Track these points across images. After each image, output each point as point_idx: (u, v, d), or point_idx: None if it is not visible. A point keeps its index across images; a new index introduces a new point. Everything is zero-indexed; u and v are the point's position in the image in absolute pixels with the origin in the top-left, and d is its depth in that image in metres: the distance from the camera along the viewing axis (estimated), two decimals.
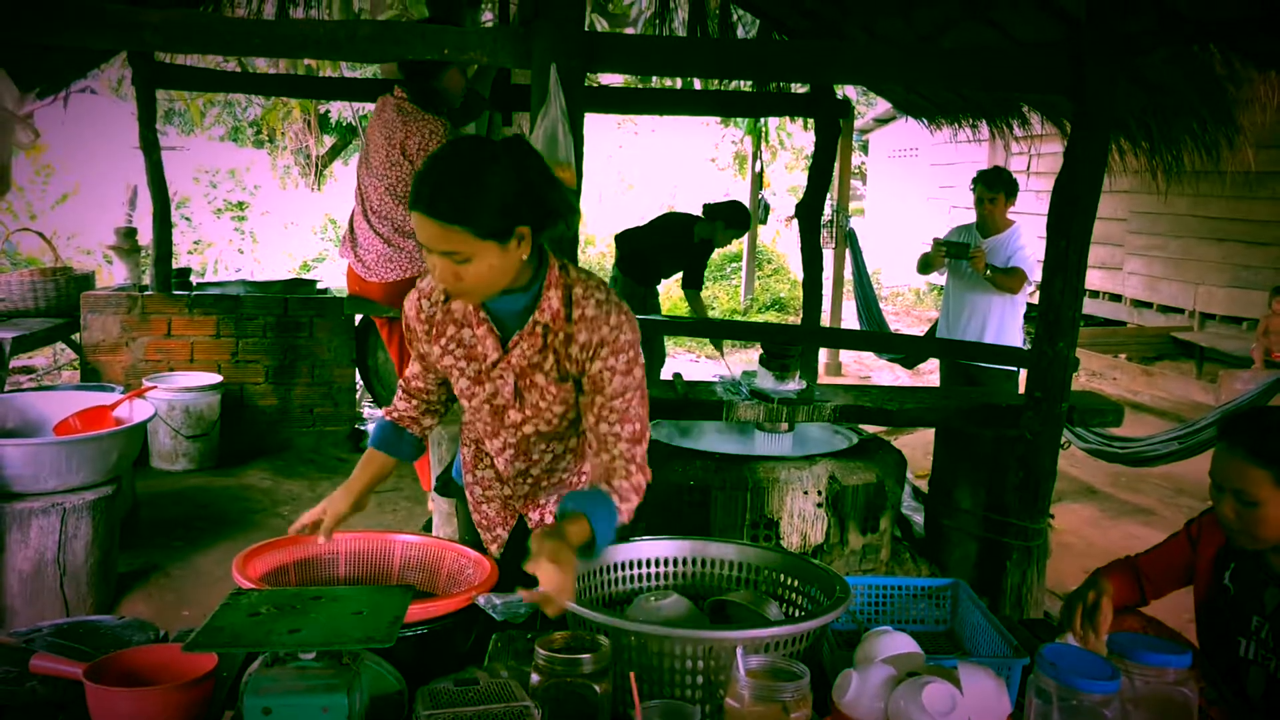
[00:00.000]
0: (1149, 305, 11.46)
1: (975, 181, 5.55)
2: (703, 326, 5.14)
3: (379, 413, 5.29)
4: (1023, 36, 4.35)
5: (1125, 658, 1.68)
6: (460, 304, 2.16)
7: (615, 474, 2.11)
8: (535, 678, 1.67)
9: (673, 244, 7.06)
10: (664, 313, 8.49)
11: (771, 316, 13.56)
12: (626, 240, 7.23)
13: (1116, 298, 11.94)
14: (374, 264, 4.37)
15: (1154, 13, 3.52)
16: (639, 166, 20.75)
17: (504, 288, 2.05)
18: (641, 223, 7.53)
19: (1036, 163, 12.61)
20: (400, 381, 2.42)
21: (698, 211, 7.19)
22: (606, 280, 7.14)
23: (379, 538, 2.37)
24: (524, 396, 2.18)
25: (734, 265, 15.14)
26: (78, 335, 6.06)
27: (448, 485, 2.64)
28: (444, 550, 2.35)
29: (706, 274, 7.62)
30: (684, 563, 2.27)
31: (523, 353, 2.13)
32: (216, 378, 5.89)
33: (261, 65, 9.72)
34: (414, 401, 2.40)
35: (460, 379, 2.22)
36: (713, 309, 13.57)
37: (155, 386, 5.47)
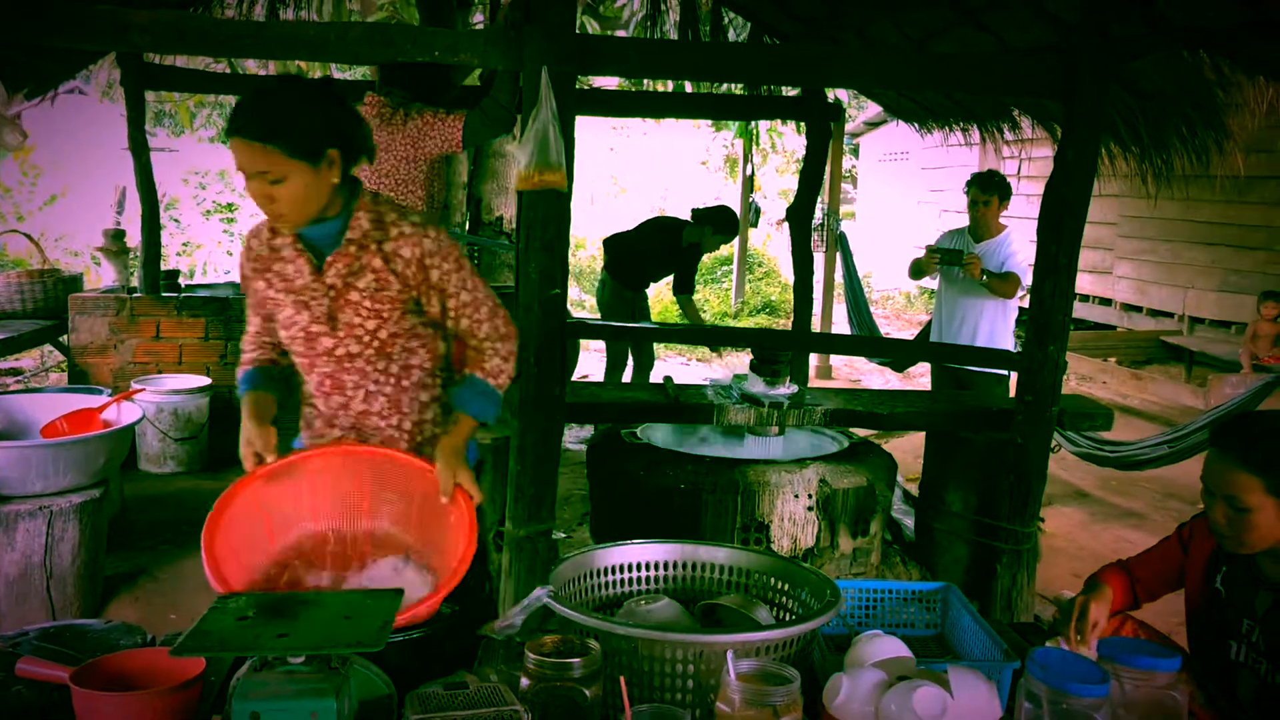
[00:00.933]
0: (1139, 309, 11.49)
1: (969, 185, 5.56)
2: (692, 334, 5.13)
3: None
4: (1014, 41, 4.36)
5: (1115, 661, 1.68)
6: (285, 240, 2.30)
7: (484, 356, 2.36)
8: (525, 682, 1.66)
9: (661, 248, 7.06)
10: (653, 316, 8.48)
11: (762, 320, 13.57)
12: (615, 244, 7.23)
13: (1107, 302, 11.97)
14: None
15: (1144, 18, 3.53)
16: (631, 169, 20.75)
17: (317, 213, 2.22)
18: (631, 227, 7.52)
19: (1027, 166, 12.64)
20: (247, 336, 2.50)
21: (687, 215, 7.18)
22: (599, 281, 7.17)
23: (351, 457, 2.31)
24: (337, 318, 2.30)
25: (725, 268, 15.15)
26: (65, 337, 6.03)
27: None
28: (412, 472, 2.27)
29: (697, 277, 7.62)
30: (674, 566, 2.26)
31: (338, 272, 2.27)
32: (205, 380, 5.86)
33: (252, 66, 9.69)
34: (263, 345, 2.47)
35: (284, 309, 2.34)
36: (704, 312, 13.56)
37: (144, 389, 5.45)
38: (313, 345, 2.34)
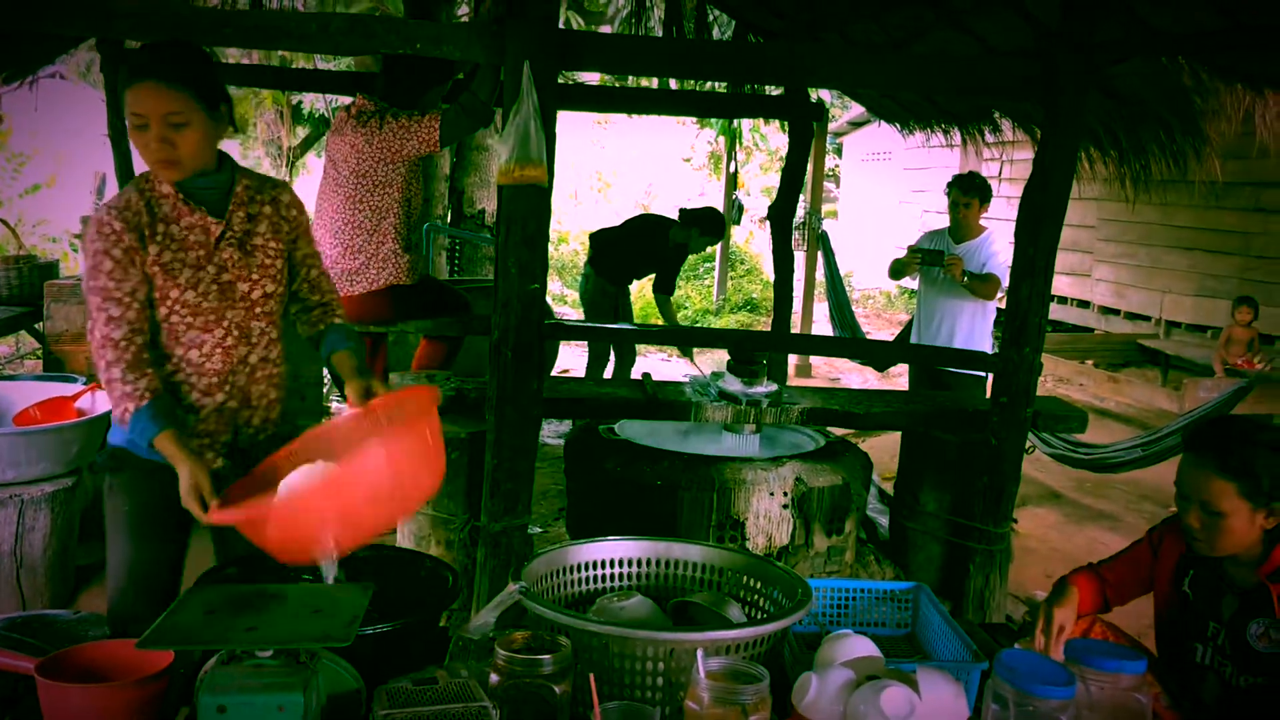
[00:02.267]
0: (1116, 312, 11.57)
1: (950, 186, 5.57)
2: (671, 335, 5.12)
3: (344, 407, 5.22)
4: (996, 44, 4.38)
5: (1081, 663, 1.70)
6: (168, 202, 2.32)
7: (334, 309, 2.53)
8: (495, 678, 1.66)
9: (647, 247, 7.06)
10: (635, 313, 8.48)
11: (744, 317, 13.59)
12: (601, 240, 7.23)
13: (1085, 304, 12.05)
14: (337, 278, 4.24)
15: (1124, 24, 3.55)
16: (615, 165, 20.74)
17: (203, 166, 2.32)
18: (617, 222, 7.52)
19: (1009, 169, 12.70)
20: (119, 357, 2.25)
21: (673, 214, 7.18)
22: (582, 275, 7.16)
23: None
24: (250, 261, 2.40)
25: (707, 265, 15.17)
26: (41, 324, 5.98)
27: None
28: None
29: (680, 273, 7.63)
30: (648, 563, 2.27)
31: (240, 219, 2.39)
32: None
33: (234, 55, 9.63)
34: (142, 363, 2.26)
35: (182, 271, 2.32)
36: (685, 309, 13.57)
37: None
38: (228, 294, 2.37)
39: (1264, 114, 3.87)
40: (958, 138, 6.03)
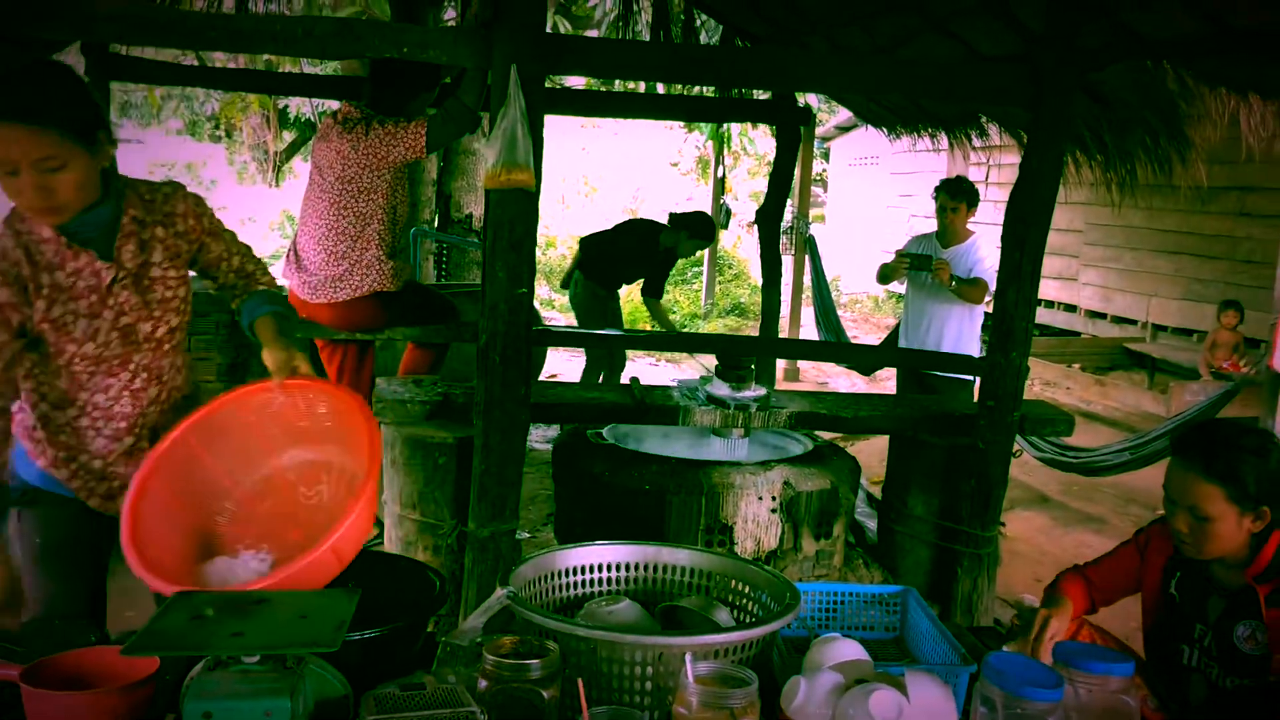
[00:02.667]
0: (1103, 316, 11.62)
1: (938, 190, 5.59)
2: (660, 340, 5.11)
3: None
4: (982, 49, 4.39)
5: (1069, 666, 1.70)
6: (49, 247, 2.09)
7: (259, 280, 2.43)
8: (483, 683, 1.65)
9: (637, 251, 7.07)
10: (624, 316, 8.48)
11: (732, 321, 13.60)
12: (591, 244, 7.23)
13: (1071, 308, 12.09)
14: (321, 285, 4.21)
15: (1110, 30, 3.57)
16: (602, 169, 20.77)
17: (88, 203, 2.09)
18: (603, 226, 7.52)
19: (995, 173, 12.75)
20: None
21: (662, 218, 7.19)
22: (571, 279, 7.15)
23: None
24: (150, 299, 2.23)
25: (695, 270, 15.19)
26: None
27: None
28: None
29: (669, 277, 7.64)
30: (636, 568, 2.26)
31: (131, 254, 2.19)
32: None
33: (220, 59, 9.60)
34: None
35: (76, 323, 2.13)
36: (673, 313, 13.59)
37: None
38: (130, 338, 2.21)
39: (1249, 119, 3.88)
40: (944, 142, 6.05)
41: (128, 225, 2.18)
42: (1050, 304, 12.09)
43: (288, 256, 4.35)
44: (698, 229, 6.99)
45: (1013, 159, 11.55)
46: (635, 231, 7.21)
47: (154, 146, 16.08)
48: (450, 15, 8.73)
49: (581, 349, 7.92)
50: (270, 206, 16.18)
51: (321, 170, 4.16)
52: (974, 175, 12.51)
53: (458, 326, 4.59)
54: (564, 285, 7.49)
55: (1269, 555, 2.23)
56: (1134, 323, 11.14)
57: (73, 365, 2.17)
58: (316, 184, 4.19)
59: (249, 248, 2.47)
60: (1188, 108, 4.04)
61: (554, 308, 13.26)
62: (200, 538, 2.13)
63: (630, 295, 10.48)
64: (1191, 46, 3.46)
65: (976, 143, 5.81)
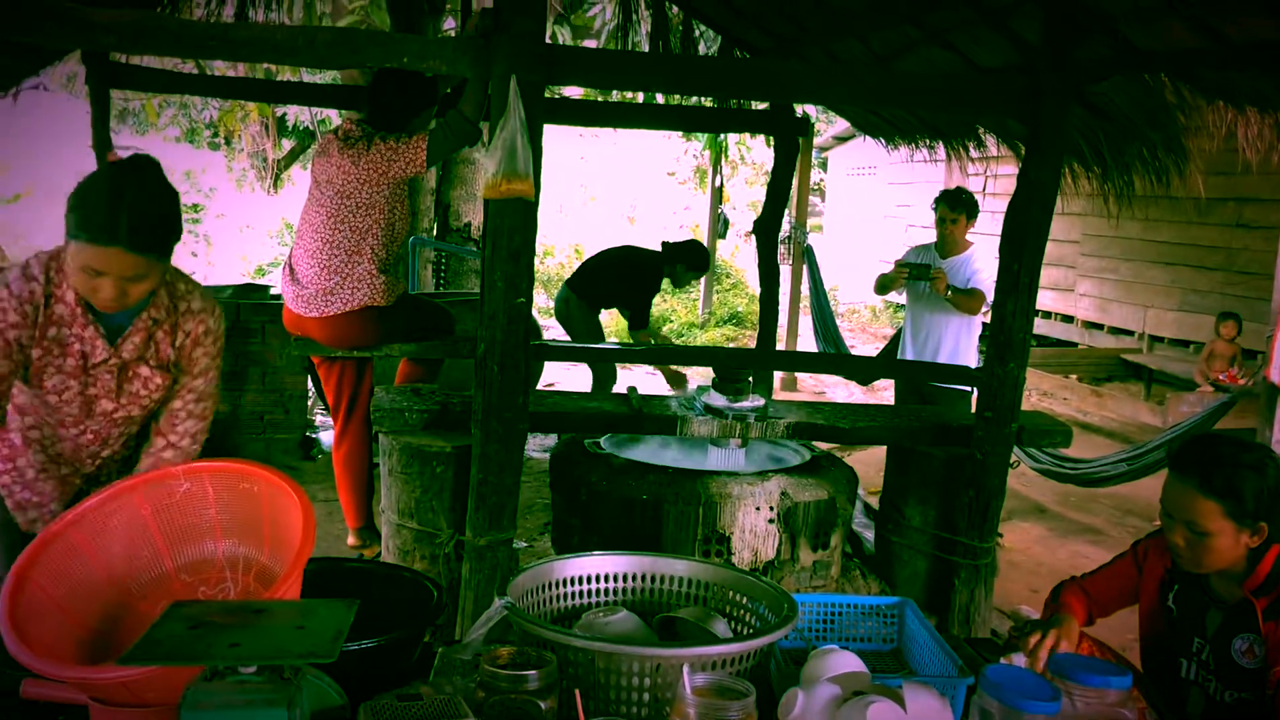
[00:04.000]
0: (1100, 327, 11.63)
1: (937, 202, 5.60)
2: (657, 354, 5.10)
3: (330, 421, 5.20)
4: (980, 61, 4.40)
5: (1066, 679, 1.70)
6: (68, 308, 2.23)
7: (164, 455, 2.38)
8: (480, 693, 1.65)
9: (633, 279, 7.00)
10: (611, 332, 8.43)
11: (729, 330, 13.61)
12: (589, 268, 7.20)
13: (1068, 319, 12.11)
14: (313, 299, 4.19)
15: (1107, 42, 3.58)
16: (600, 178, 20.79)
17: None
18: (602, 234, 7.51)
19: (993, 184, 12.77)
20: None
21: (659, 227, 7.17)
22: (560, 299, 7.14)
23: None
24: (124, 387, 2.31)
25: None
26: None
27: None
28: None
29: (665, 287, 7.62)
30: (634, 578, 2.26)
31: (132, 347, 2.30)
32: None
33: (220, 67, 9.60)
34: None
35: (53, 376, 2.26)
36: (671, 322, 13.59)
37: None
38: (89, 408, 2.34)
39: (1246, 131, 3.90)
40: (942, 153, 6.06)
41: (142, 322, 2.30)
42: (1047, 315, 12.11)
43: (284, 270, 4.35)
44: (693, 260, 6.98)
45: (1010, 170, 11.58)
46: (633, 262, 7.14)
47: (152, 154, 16.04)
48: (450, 25, 8.74)
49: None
50: (269, 214, 16.19)
51: (320, 185, 4.16)
52: (972, 185, 12.53)
53: (454, 343, 4.59)
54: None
55: (1267, 568, 2.23)
56: (1131, 334, 11.16)
57: (41, 393, 2.30)
58: (315, 198, 4.19)
59: (208, 403, 2.45)
60: (1185, 120, 4.06)
61: (551, 315, 13.26)
62: (97, 636, 1.96)
63: (616, 321, 10.47)
64: (1189, 59, 3.47)
65: (974, 154, 5.83)
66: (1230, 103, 3.69)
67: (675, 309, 14.18)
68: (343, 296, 4.15)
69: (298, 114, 15.78)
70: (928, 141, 5.98)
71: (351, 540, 4.62)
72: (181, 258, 13.85)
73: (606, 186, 20.81)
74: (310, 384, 6.47)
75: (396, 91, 4.18)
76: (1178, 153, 4.31)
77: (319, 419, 7.05)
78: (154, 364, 2.34)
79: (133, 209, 2.09)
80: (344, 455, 4.57)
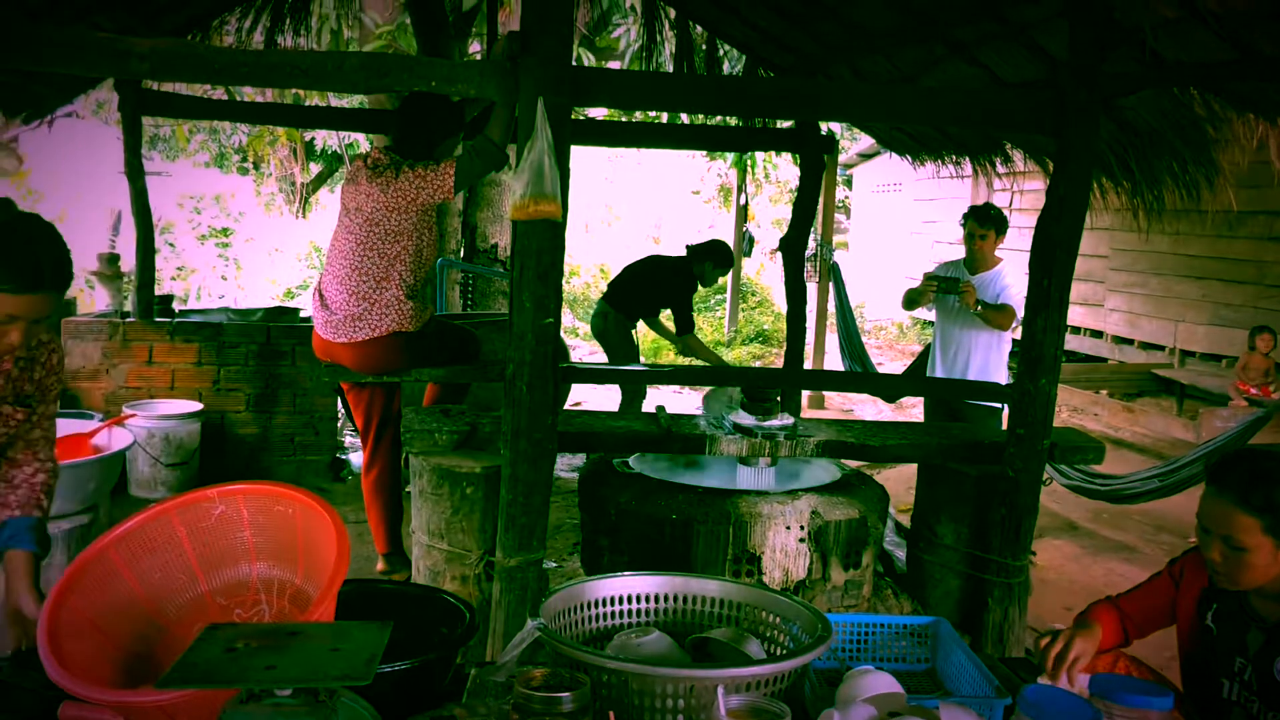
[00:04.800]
0: (1130, 342, 11.53)
1: (966, 218, 5.58)
2: (685, 374, 5.14)
3: (360, 443, 5.23)
4: (1006, 76, 4.40)
5: (1107, 699, 1.68)
6: None
7: (43, 488, 2.37)
8: (514, 716, 1.65)
9: (669, 281, 7.08)
10: (644, 347, 8.46)
11: (755, 348, 13.59)
12: (623, 278, 7.26)
13: (1098, 334, 12.02)
14: (341, 324, 4.22)
15: (1135, 55, 3.57)
16: (625, 198, 20.86)
17: None
18: (628, 253, 7.55)
19: (1019, 199, 12.71)
20: None
21: (680, 247, 7.20)
22: (596, 313, 7.17)
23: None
24: None
25: (718, 297, 15.19)
26: None
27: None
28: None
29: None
30: (666, 599, 2.25)
31: None
32: (197, 405, 5.85)
33: (249, 93, 9.71)
34: None
35: None
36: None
37: (135, 414, 5.43)
38: None
39: (1277, 143, 3.87)
40: (968, 168, 6.04)
41: (6, 363, 2.28)
42: (1076, 330, 12.01)
43: (314, 295, 4.38)
44: (719, 258, 7.04)
45: (1037, 185, 11.52)
46: (664, 267, 7.24)
47: (182, 179, 16.25)
48: (475, 49, 8.81)
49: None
50: (297, 238, 16.32)
51: (350, 212, 4.19)
52: (998, 201, 12.49)
53: (482, 366, 4.61)
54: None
55: None
56: (1161, 348, 11.06)
57: None
58: (344, 225, 4.23)
59: (52, 438, 2.45)
60: (1215, 133, 4.03)
61: (578, 336, 13.29)
62: (131, 658, 2.00)
63: (648, 335, 10.51)
64: (1218, 72, 3.45)
65: (1000, 169, 5.81)
66: (1261, 115, 3.66)
67: (701, 327, 14.19)
68: (371, 322, 4.17)
69: (325, 138, 15.93)
70: (953, 157, 5.97)
71: (380, 566, 4.64)
72: (212, 280, 14.01)
73: (631, 206, 20.88)
74: (340, 406, 6.51)
75: (422, 118, 4.22)
76: (1207, 166, 4.28)
77: (348, 440, 7.09)
78: (13, 401, 2.32)
79: (46, 251, 2.07)
80: (373, 480, 4.59)
